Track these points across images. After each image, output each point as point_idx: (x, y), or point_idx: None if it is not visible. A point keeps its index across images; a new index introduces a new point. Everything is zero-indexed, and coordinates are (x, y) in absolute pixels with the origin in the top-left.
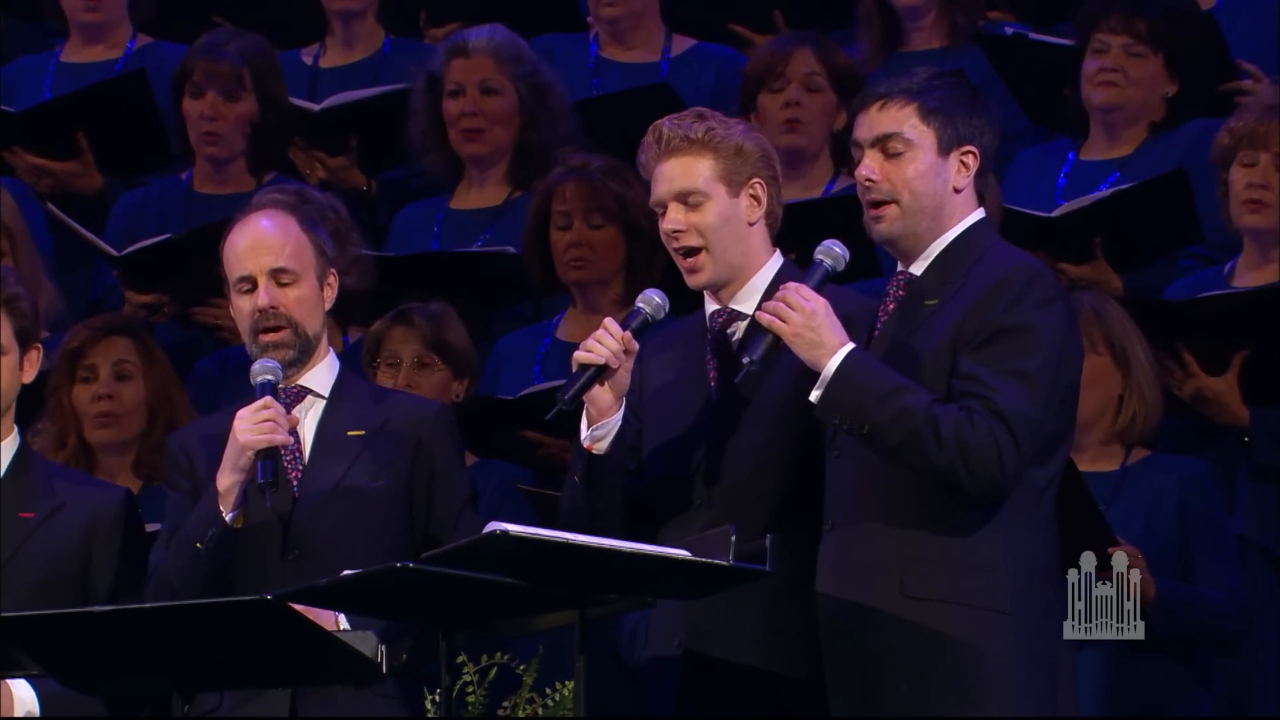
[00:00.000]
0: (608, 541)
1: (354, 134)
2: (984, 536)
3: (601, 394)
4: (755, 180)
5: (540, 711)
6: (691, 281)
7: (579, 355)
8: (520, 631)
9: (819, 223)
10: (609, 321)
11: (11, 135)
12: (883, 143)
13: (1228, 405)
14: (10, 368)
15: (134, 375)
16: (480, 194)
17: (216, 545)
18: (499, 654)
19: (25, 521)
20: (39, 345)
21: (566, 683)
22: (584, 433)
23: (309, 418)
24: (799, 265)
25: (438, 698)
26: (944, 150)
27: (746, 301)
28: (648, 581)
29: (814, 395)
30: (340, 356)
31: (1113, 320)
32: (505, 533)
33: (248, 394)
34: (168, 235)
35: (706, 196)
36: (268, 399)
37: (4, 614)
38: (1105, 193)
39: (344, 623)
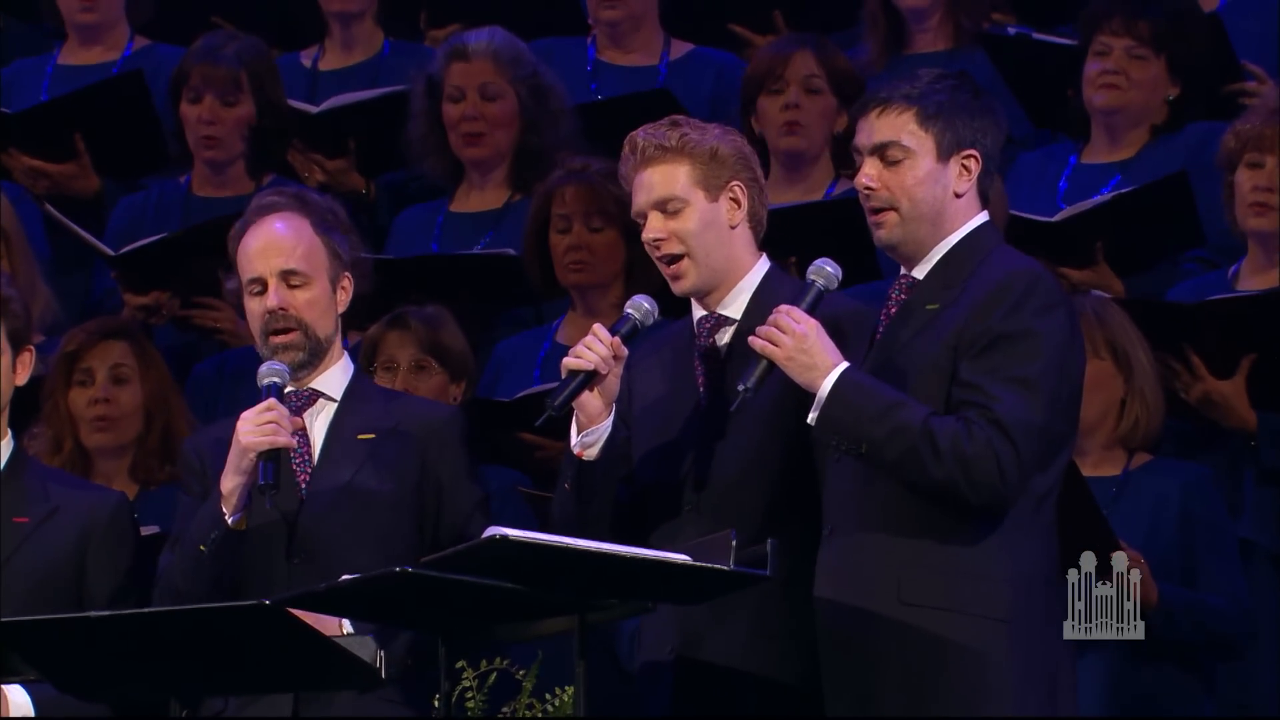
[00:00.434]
0: (608, 546)
1: (353, 136)
2: (982, 544)
3: (591, 400)
4: (734, 183)
5: (540, 716)
6: (676, 288)
7: (568, 361)
8: (519, 637)
9: (820, 226)
10: (597, 327)
11: (8, 137)
12: (881, 150)
13: (1235, 409)
14: (3, 370)
15: (131, 379)
16: (481, 197)
17: (219, 547)
18: (498, 659)
19: (19, 526)
20: (31, 348)
21: (566, 688)
22: (574, 439)
23: (320, 420)
24: (799, 270)
25: (436, 703)
26: (943, 156)
27: (733, 306)
28: (648, 586)
29: (811, 418)
30: None
31: (1114, 324)
32: (504, 537)
33: (246, 397)
34: (165, 234)
35: (685, 203)
36: (271, 401)
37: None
38: (1106, 196)
39: (348, 627)
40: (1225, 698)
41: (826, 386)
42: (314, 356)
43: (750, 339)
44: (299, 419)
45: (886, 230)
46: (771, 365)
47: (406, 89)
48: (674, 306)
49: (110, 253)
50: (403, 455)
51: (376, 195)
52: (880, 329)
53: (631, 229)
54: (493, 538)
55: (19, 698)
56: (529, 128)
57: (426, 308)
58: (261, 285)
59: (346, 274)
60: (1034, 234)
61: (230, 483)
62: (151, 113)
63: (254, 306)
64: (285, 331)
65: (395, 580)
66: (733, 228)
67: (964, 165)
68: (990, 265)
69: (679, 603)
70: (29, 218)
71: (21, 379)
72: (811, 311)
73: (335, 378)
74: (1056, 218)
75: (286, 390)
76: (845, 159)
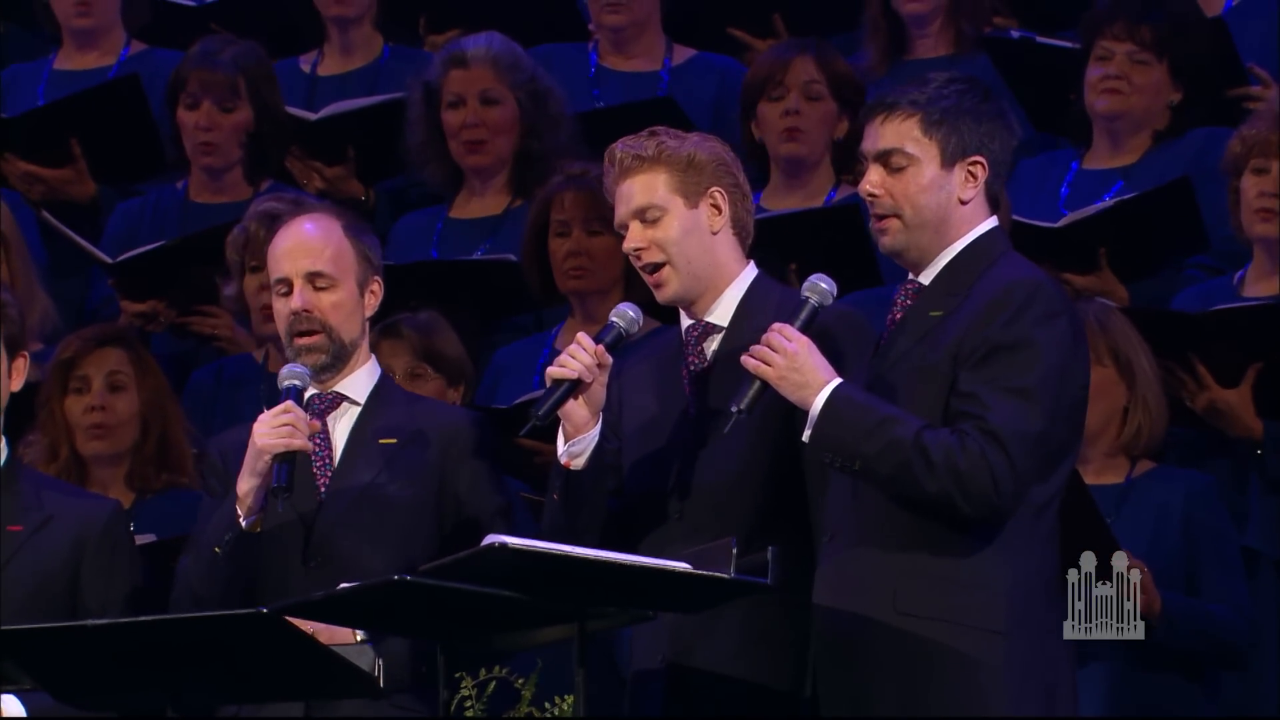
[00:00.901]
0: (607, 554)
1: (351, 143)
2: (979, 553)
3: (577, 409)
4: (714, 189)
5: None
6: (660, 296)
7: (551, 371)
8: (518, 645)
9: (820, 232)
10: (581, 336)
11: (3, 142)
12: (885, 157)
13: (1241, 418)
14: None
15: (127, 386)
16: (481, 203)
17: (233, 550)
18: (498, 667)
19: (14, 534)
20: (26, 353)
21: (566, 696)
22: (561, 448)
23: (342, 423)
24: (800, 277)
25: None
26: (948, 163)
27: (720, 314)
28: (648, 594)
29: (805, 436)
30: None
31: (1117, 331)
32: (503, 545)
33: (244, 404)
34: (162, 242)
35: (664, 210)
36: (289, 403)
37: None
38: (1109, 202)
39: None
40: (1229, 707)
41: (818, 404)
42: (337, 359)
43: (743, 359)
44: (316, 422)
45: (890, 237)
46: (765, 386)
47: (405, 96)
48: (668, 315)
49: (107, 260)
50: (423, 461)
51: (376, 202)
52: (885, 335)
53: None
54: (491, 545)
55: (14, 707)
56: (529, 132)
57: (420, 314)
58: (288, 286)
59: (376, 278)
60: (1037, 240)
61: (245, 485)
62: (148, 117)
63: (280, 307)
64: (309, 334)
65: (394, 588)
66: (714, 234)
67: (969, 171)
68: (994, 273)
69: (680, 611)
70: (24, 223)
71: (16, 385)
72: (806, 329)
73: (360, 381)
74: (1059, 223)
75: (311, 393)
76: (846, 164)
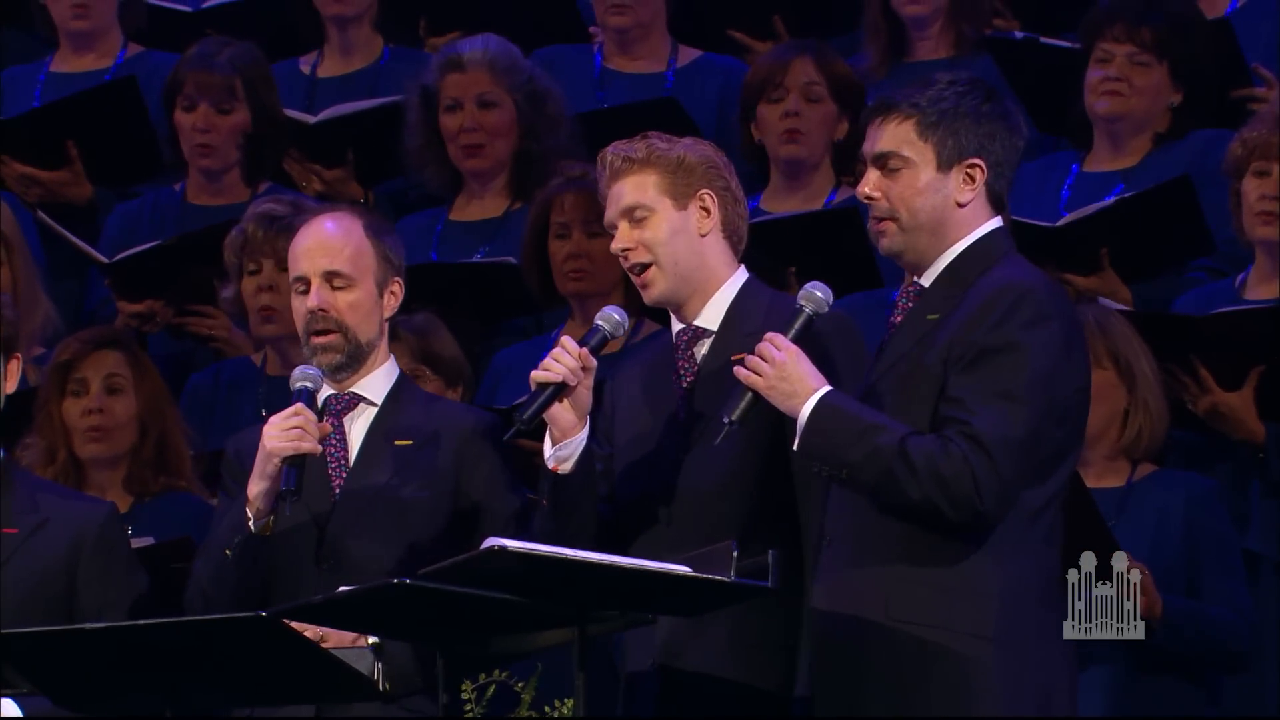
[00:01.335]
0: (608, 558)
1: (351, 146)
2: (970, 559)
3: (563, 413)
4: (704, 192)
5: None
6: (646, 297)
7: (536, 374)
8: (518, 650)
9: (820, 234)
10: (566, 339)
11: (0, 144)
12: (881, 160)
13: (1243, 421)
14: None
15: (125, 389)
16: (480, 206)
17: (243, 551)
18: (497, 671)
19: (9, 537)
20: (19, 355)
21: (566, 700)
22: (548, 452)
23: (359, 424)
24: (800, 280)
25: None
26: (944, 166)
27: (710, 318)
28: (648, 598)
29: (795, 445)
30: None
31: (1117, 334)
32: (504, 548)
33: (243, 407)
34: (159, 241)
35: (651, 211)
36: (299, 406)
37: None
38: (1109, 201)
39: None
40: (1230, 710)
41: (805, 413)
42: (353, 359)
43: (735, 369)
44: (327, 425)
45: (888, 239)
46: (757, 397)
47: (403, 99)
48: (666, 318)
49: (104, 260)
50: (439, 463)
51: (375, 204)
52: (886, 337)
53: None
54: (491, 549)
55: (11, 711)
56: (527, 134)
57: (415, 316)
58: (305, 284)
59: (397, 278)
60: (1038, 240)
61: (255, 487)
62: (145, 119)
63: (298, 306)
64: (325, 333)
65: (393, 591)
66: (703, 236)
67: (968, 174)
68: (990, 276)
69: (680, 614)
70: (25, 227)
71: (10, 386)
72: (800, 338)
73: (378, 382)
74: (1059, 223)
75: (328, 392)
76: (846, 166)
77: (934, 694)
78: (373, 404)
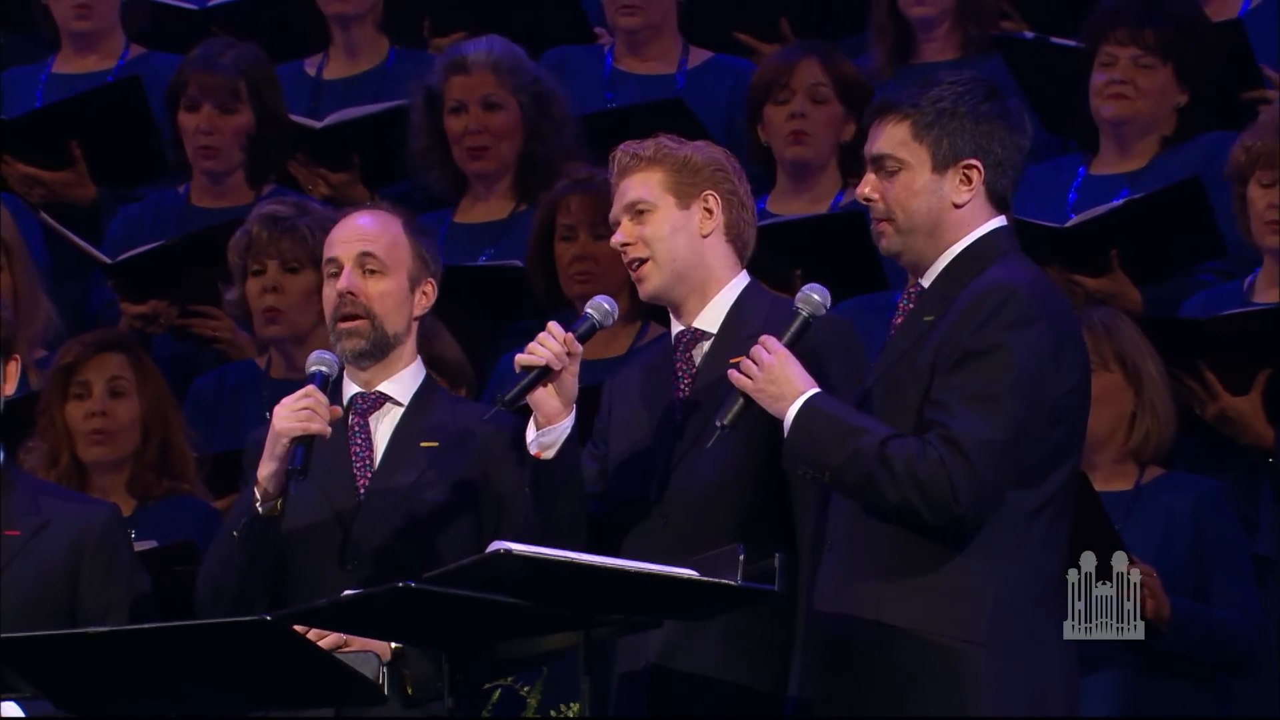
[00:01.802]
0: (613, 561)
1: (356, 150)
2: (963, 563)
3: (547, 398)
4: (708, 193)
5: None
6: (640, 292)
7: (520, 358)
8: (522, 654)
9: (826, 237)
10: (552, 324)
11: (3, 144)
12: (878, 162)
13: (1251, 425)
14: None
15: (128, 392)
16: (485, 208)
17: (249, 533)
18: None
19: (11, 539)
20: (18, 357)
21: (571, 704)
22: (530, 437)
23: (384, 424)
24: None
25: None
26: (939, 167)
27: (709, 320)
28: (653, 602)
29: (785, 448)
30: None
31: (1124, 336)
32: (509, 552)
33: (247, 410)
34: (162, 241)
35: (653, 207)
36: (310, 388)
37: None
38: (1118, 202)
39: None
40: (1238, 713)
41: (790, 416)
42: (377, 349)
43: (730, 373)
44: (337, 408)
45: (887, 240)
46: (749, 401)
47: (408, 103)
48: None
49: (107, 260)
50: (464, 465)
51: None
52: (888, 338)
53: None
54: (496, 552)
55: (13, 714)
56: (532, 135)
57: None
58: (337, 267)
59: (430, 280)
60: (1046, 241)
61: (265, 469)
62: (148, 119)
63: (328, 291)
64: (352, 318)
65: (398, 595)
66: (704, 237)
67: (964, 174)
68: (982, 277)
69: (685, 618)
70: (27, 228)
71: (9, 389)
72: (795, 342)
73: (405, 381)
74: (1068, 224)
75: (354, 391)
76: (852, 168)
77: (926, 697)
78: (399, 404)
